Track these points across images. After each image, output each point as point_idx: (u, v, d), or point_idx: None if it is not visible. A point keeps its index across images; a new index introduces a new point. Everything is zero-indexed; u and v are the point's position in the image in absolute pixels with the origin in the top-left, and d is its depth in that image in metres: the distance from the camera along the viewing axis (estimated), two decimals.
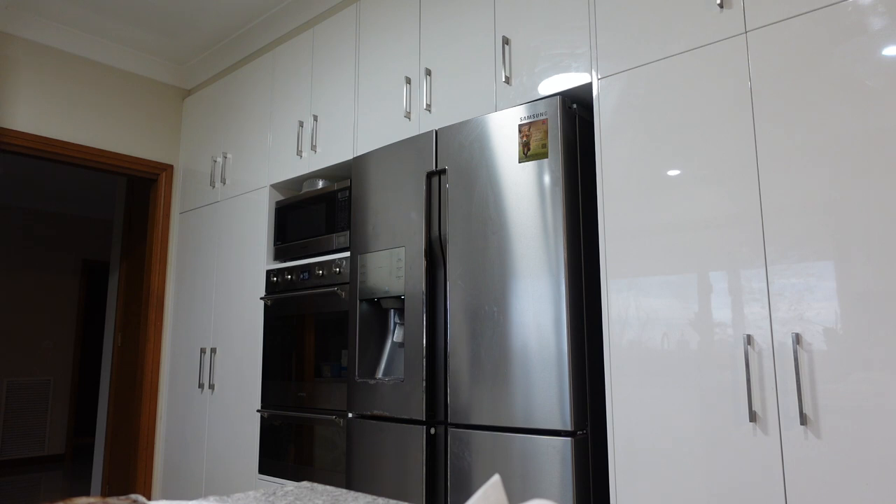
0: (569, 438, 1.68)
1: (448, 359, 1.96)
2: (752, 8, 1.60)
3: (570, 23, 1.98)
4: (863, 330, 1.36)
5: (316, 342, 2.63)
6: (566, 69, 1.97)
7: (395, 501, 0.94)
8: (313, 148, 2.87)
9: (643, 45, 1.79)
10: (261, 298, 2.94)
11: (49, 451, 6.34)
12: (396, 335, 2.25)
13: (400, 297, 2.14)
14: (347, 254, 2.53)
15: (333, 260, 2.59)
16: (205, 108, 3.76)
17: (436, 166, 2.11)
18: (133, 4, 3.37)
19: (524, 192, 1.86)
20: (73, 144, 3.51)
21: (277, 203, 3.04)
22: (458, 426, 1.91)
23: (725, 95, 1.62)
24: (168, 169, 3.91)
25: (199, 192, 3.66)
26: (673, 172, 1.69)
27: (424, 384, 2.00)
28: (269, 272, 2.93)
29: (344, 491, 1.04)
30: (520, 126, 1.90)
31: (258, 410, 2.86)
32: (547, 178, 1.83)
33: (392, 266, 2.18)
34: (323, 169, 2.83)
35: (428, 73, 2.39)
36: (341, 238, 2.62)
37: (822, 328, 1.41)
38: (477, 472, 1.83)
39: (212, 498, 0.96)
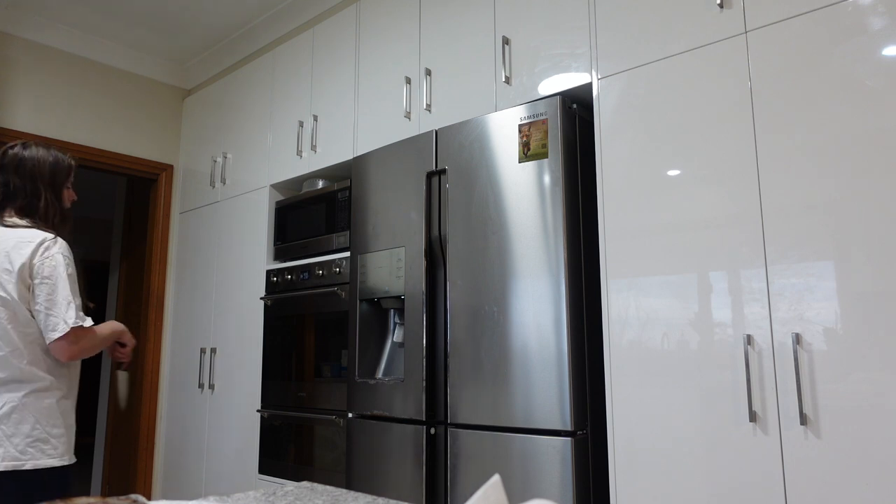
0: (569, 438, 1.68)
1: (448, 359, 1.96)
2: (752, 8, 1.60)
3: (570, 23, 1.98)
4: (863, 330, 1.36)
5: (316, 342, 2.63)
6: (566, 69, 1.97)
7: (395, 501, 0.94)
8: (313, 148, 2.87)
9: (643, 45, 1.79)
10: (261, 298, 2.94)
11: None
12: (396, 335, 2.25)
13: (400, 297, 2.14)
14: (347, 254, 2.53)
15: (333, 260, 2.59)
16: (205, 108, 3.76)
17: (436, 166, 2.11)
18: (133, 4, 3.37)
19: (524, 192, 1.86)
20: (73, 144, 3.51)
21: (277, 203, 3.04)
22: (458, 426, 1.91)
23: (725, 95, 1.62)
24: (168, 169, 3.91)
25: (199, 192, 3.66)
26: (673, 172, 1.69)
27: (424, 384, 2.00)
28: (269, 272, 2.93)
29: (344, 491, 1.04)
30: (520, 126, 1.90)
31: (258, 410, 2.86)
32: (547, 178, 1.83)
33: (392, 266, 2.18)
34: (323, 169, 2.83)
35: (428, 73, 2.39)
36: (341, 238, 2.62)
37: (822, 328, 1.41)
38: (477, 472, 1.83)
39: (212, 498, 0.96)
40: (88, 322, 1.69)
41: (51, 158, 1.79)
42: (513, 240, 1.87)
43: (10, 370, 1.62)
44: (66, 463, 1.67)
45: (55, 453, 1.64)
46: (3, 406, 1.60)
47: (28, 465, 1.58)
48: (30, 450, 1.59)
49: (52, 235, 1.71)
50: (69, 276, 1.68)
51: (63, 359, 1.66)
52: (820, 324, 1.41)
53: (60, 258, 1.68)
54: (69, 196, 1.84)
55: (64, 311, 1.63)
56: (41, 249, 1.67)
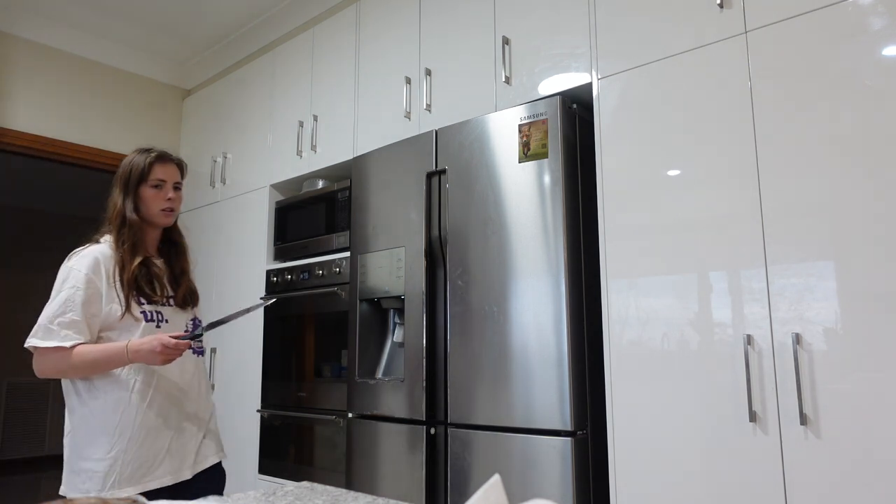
0: (569, 438, 1.68)
1: (448, 359, 1.96)
2: (752, 8, 1.60)
3: (570, 23, 1.98)
4: (863, 330, 1.36)
5: (316, 342, 2.63)
6: (566, 69, 1.97)
7: (395, 501, 0.94)
8: (313, 148, 2.87)
9: (643, 45, 1.79)
10: (261, 298, 2.94)
11: (49, 451, 6.34)
12: (396, 335, 2.25)
13: (400, 297, 2.14)
14: (347, 254, 2.53)
15: (333, 260, 2.59)
16: (205, 108, 3.76)
17: (436, 166, 2.11)
18: (133, 4, 3.37)
19: (524, 192, 1.86)
20: (73, 144, 3.51)
21: (277, 203, 3.04)
22: (458, 426, 1.91)
23: (725, 95, 1.62)
24: None
25: (199, 192, 3.66)
26: (673, 172, 1.69)
27: (424, 384, 2.00)
28: (269, 272, 2.93)
29: (344, 491, 1.04)
30: (520, 126, 1.90)
31: (258, 410, 2.86)
32: (547, 178, 1.83)
33: (392, 266, 2.18)
34: (323, 169, 2.83)
35: (428, 73, 2.39)
36: (341, 238, 2.62)
37: (822, 328, 1.41)
38: (477, 472, 1.83)
39: (212, 498, 0.96)
40: (61, 343, 1.49)
41: (131, 160, 1.67)
42: (513, 240, 1.87)
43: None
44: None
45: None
46: None
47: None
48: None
49: (87, 245, 1.62)
50: (73, 288, 1.53)
51: None
52: (820, 324, 1.41)
53: (67, 271, 1.56)
54: (154, 196, 1.65)
55: (35, 328, 1.52)
56: (64, 261, 1.60)
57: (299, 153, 2.94)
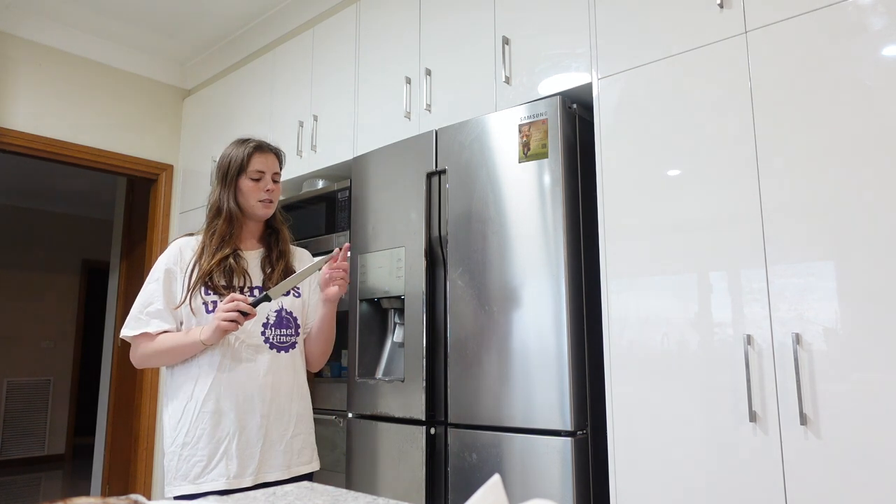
0: (569, 438, 1.68)
1: (448, 359, 1.96)
2: (752, 8, 1.60)
3: (570, 23, 1.98)
4: (863, 330, 1.36)
5: None
6: (566, 69, 1.97)
7: (395, 501, 0.94)
8: (313, 148, 2.87)
9: (643, 45, 1.79)
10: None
11: (49, 451, 6.34)
12: (396, 335, 2.25)
13: (400, 297, 2.14)
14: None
15: None
16: (205, 108, 3.76)
17: (436, 166, 2.11)
18: (133, 4, 3.37)
19: (524, 192, 1.86)
20: (73, 144, 3.51)
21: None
22: (458, 426, 1.91)
23: (725, 95, 1.62)
24: (168, 169, 3.91)
25: (199, 192, 3.66)
26: (673, 172, 1.69)
27: (424, 384, 2.00)
28: None
29: (344, 491, 1.04)
30: (520, 126, 1.90)
31: None
32: (547, 178, 1.83)
33: (392, 266, 2.17)
34: (323, 169, 2.83)
35: (428, 73, 2.39)
36: (341, 238, 2.62)
37: (822, 328, 1.41)
38: (477, 472, 1.83)
39: (212, 498, 0.95)
40: (146, 329, 1.51)
41: (229, 152, 1.64)
42: (513, 240, 1.87)
43: None
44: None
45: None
46: None
47: None
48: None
49: (182, 236, 1.64)
50: (155, 280, 1.55)
51: None
52: (820, 324, 1.41)
53: (159, 260, 1.58)
54: (253, 188, 1.61)
55: (127, 320, 1.56)
56: None
57: (299, 153, 2.94)
